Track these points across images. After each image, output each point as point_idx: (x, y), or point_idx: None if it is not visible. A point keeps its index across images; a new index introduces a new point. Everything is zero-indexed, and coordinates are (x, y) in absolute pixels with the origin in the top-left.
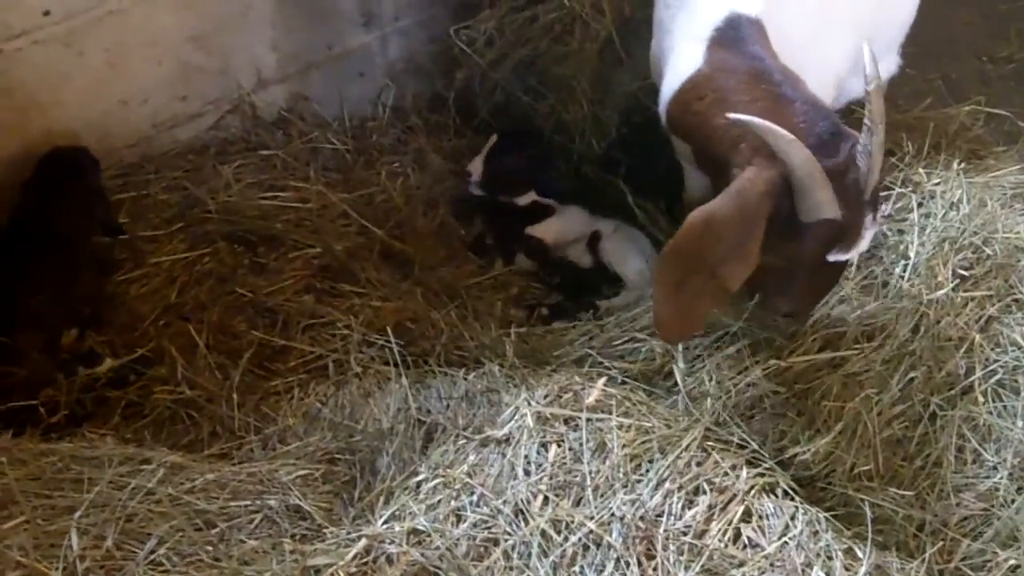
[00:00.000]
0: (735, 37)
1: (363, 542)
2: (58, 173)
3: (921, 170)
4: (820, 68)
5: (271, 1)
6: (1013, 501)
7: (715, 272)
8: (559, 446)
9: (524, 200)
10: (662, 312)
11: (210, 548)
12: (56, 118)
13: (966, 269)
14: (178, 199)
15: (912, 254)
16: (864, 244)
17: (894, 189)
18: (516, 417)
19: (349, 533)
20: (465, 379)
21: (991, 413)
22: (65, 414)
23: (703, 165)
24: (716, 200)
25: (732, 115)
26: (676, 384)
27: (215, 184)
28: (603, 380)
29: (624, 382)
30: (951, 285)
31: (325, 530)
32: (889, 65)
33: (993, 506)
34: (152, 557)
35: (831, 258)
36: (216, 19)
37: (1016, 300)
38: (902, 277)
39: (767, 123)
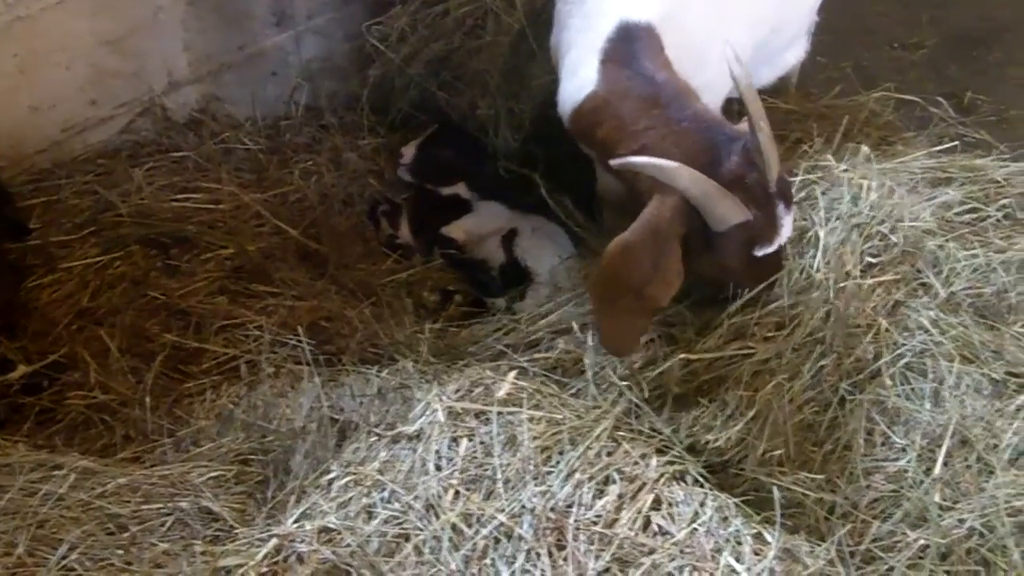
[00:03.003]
0: (627, 52)
1: (273, 542)
2: None
3: (830, 157)
4: (719, 61)
5: (182, 3)
6: (922, 482)
7: (641, 294)
8: (470, 440)
9: (447, 191)
10: (604, 330)
11: (121, 552)
12: None
13: (874, 255)
14: (90, 203)
15: (821, 242)
16: (786, 232)
17: (797, 176)
18: (427, 413)
19: (260, 533)
20: (378, 376)
21: (899, 396)
22: None
23: (607, 169)
24: (630, 229)
25: (615, 161)
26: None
27: (127, 187)
28: (513, 373)
29: (536, 375)
30: (859, 271)
31: (237, 531)
32: (797, 52)
33: (902, 487)
34: (64, 563)
35: (758, 253)
36: (127, 22)
37: (923, 284)
38: (811, 266)
39: (647, 160)
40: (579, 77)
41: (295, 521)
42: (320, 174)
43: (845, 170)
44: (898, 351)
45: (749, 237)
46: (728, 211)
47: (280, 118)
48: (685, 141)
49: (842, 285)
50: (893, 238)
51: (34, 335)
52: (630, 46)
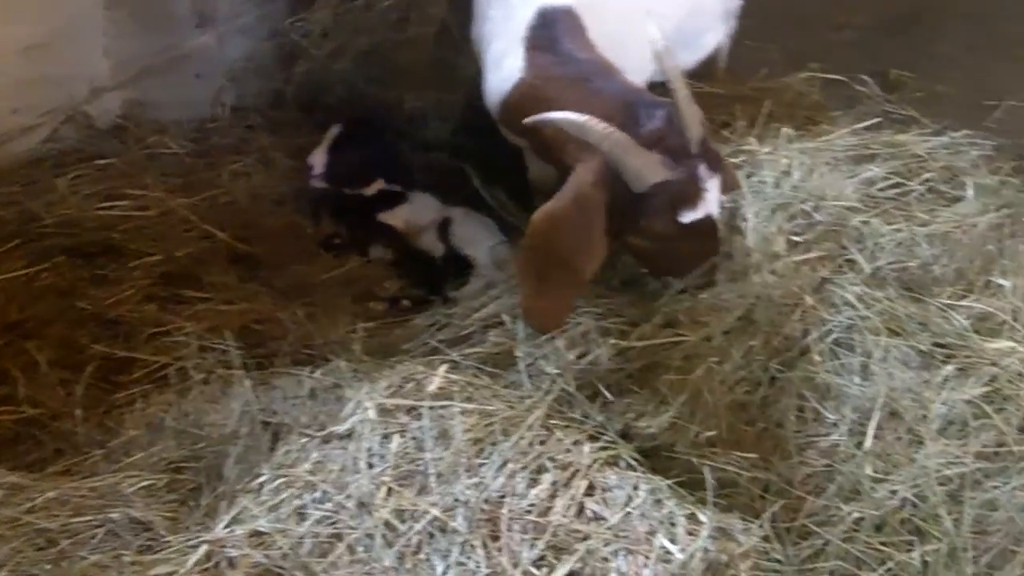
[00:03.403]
0: (550, 38)
1: (203, 548)
2: None
3: (753, 139)
4: (640, 44)
5: (100, 8)
6: (854, 456)
7: (568, 264)
8: (402, 436)
9: (371, 190)
10: (530, 305)
11: (50, 567)
12: None
13: (798, 234)
14: (14, 215)
15: (746, 224)
16: (711, 197)
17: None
18: (358, 411)
19: (190, 540)
20: (311, 377)
21: (829, 372)
22: None
23: (541, 155)
24: (555, 198)
25: (529, 119)
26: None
27: (52, 197)
28: (445, 367)
29: (468, 368)
30: (785, 251)
31: (167, 540)
32: (717, 34)
33: (835, 462)
34: None
35: (685, 220)
36: (46, 30)
37: (848, 260)
38: (738, 248)
39: (561, 114)
40: (504, 68)
41: (226, 526)
42: (249, 175)
43: (768, 151)
44: (826, 327)
45: (672, 198)
46: (644, 167)
47: (206, 120)
48: (603, 105)
49: (768, 264)
50: (817, 216)
51: None
52: (552, 31)
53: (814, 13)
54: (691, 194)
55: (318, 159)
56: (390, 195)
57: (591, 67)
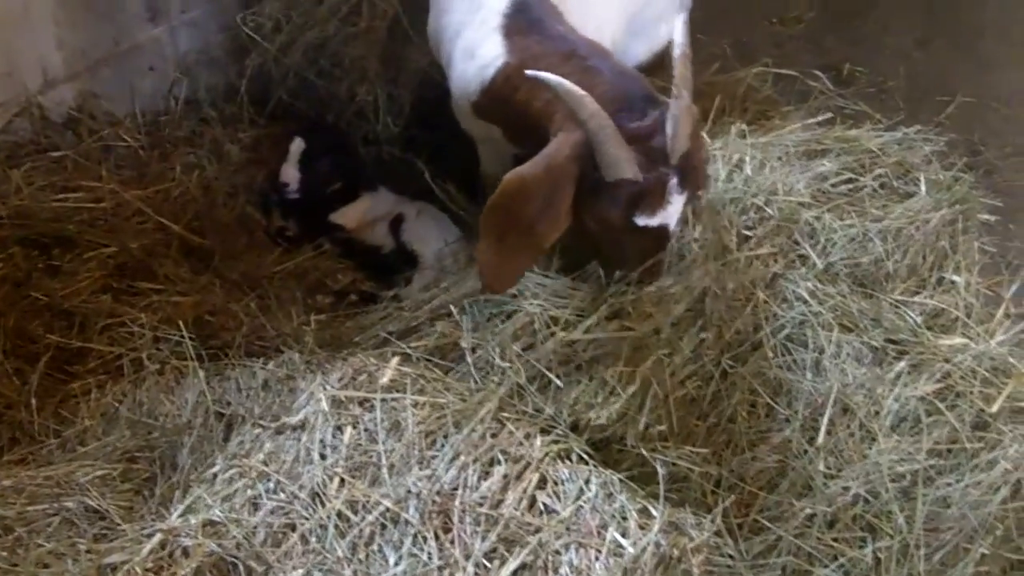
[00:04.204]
0: (529, 21)
1: (158, 537)
2: None
3: (704, 135)
4: (594, 35)
5: None
6: (806, 451)
7: (529, 230)
8: (354, 428)
9: (330, 189)
10: (485, 264)
11: (6, 554)
12: None
13: (750, 229)
14: None
15: (696, 217)
16: (673, 211)
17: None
18: (311, 402)
19: (144, 529)
20: (264, 368)
21: (781, 367)
22: None
23: (517, 142)
24: (528, 163)
25: (530, 72)
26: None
27: (5, 189)
28: (396, 360)
29: (420, 360)
30: (736, 246)
31: (121, 528)
32: (670, 26)
33: (787, 458)
34: None
35: (639, 222)
36: None
37: (801, 256)
38: (688, 241)
39: (559, 79)
40: (480, 57)
41: (180, 515)
42: (202, 168)
43: (720, 146)
44: (778, 322)
45: (633, 198)
46: (619, 161)
47: (159, 113)
48: (599, 87)
49: (719, 259)
50: (768, 211)
51: None
52: (530, 15)
53: (765, 7)
54: (653, 201)
55: (291, 175)
56: (343, 192)
57: (585, 45)
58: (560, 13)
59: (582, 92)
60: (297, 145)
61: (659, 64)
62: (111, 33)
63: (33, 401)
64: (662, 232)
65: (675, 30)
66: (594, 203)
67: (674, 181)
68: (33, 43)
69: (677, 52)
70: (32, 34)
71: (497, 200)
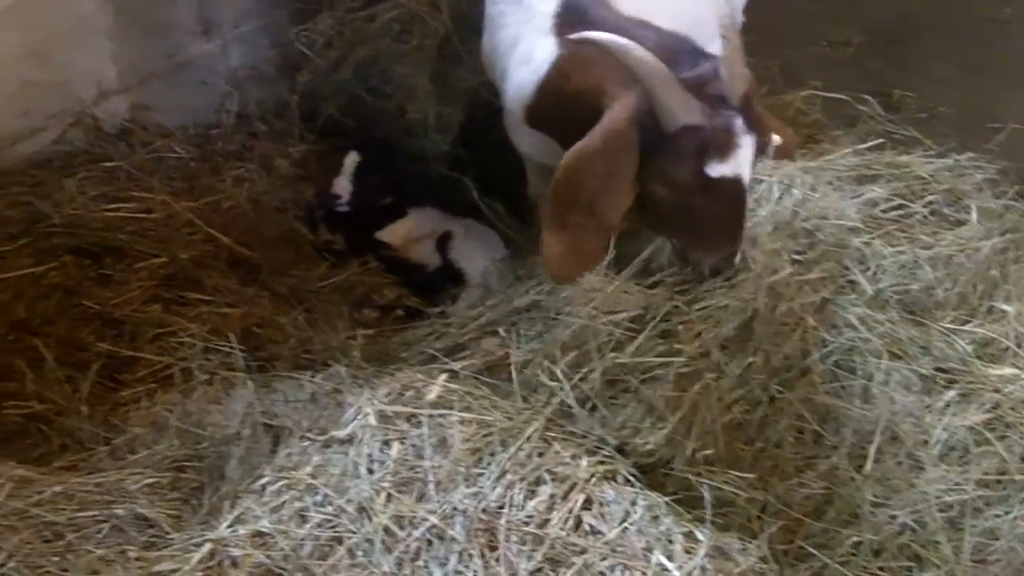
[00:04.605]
0: (577, 13)
1: (207, 546)
2: None
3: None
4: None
5: (108, 14)
6: (853, 479)
7: (593, 208)
8: (401, 443)
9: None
10: (550, 252)
11: (57, 559)
12: None
13: (800, 253)
14: (23, 214)
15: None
16: (745, 155)
17: None
18: (359, 417)
19: (194, 538)
20: (311, 381)
21: (829, 394)
22: None
23: (569, 140)
24: (586, 136)
25: (575, 35)
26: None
27: (60, 198)
28: (444, 376)
29: (467, 377)
30: (787, 270)
31: (171, 537)
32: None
33: (834, 485)
34: (1, 571)
35: (712, 172)
36: (52, 34)
37: (850, 281)
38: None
39: (611, 36)
40: (534, 60)
41: (229, 526)
42: (251, 181)
43: (771, 169)
44: (827, 348)
45: (702, 144)
46: (679, 106)
47: (210, 126)
48: (646, 43)
49: (768, 281)
50: (819, 236)
51: None
52: (578, 7)
53: (813, 30)
54: (722, 144)
55: (343, 187)
56: (391, 209)
57: (629, 22)
58: (608, 6)
59: (632, 43)
60: (352, 158)
61: None
62: (164, 47)
63: (83, 408)
64: (737, 188)
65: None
66: (660, 163)
67: (739, 121)
68: (88, 56)
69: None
70: (87, 47)
71: (559, 180)
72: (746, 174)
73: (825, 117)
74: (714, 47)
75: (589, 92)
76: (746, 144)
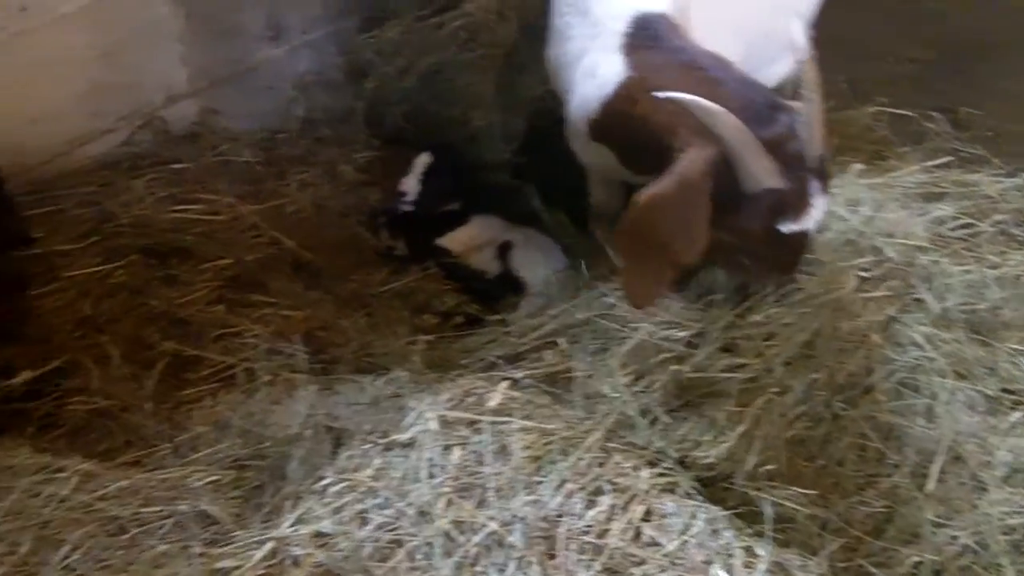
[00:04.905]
0: (650, 37)
1: (269, 545)
2: None
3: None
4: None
5: (179, 17)
6: (915, 498)
7: (667, 249)
8: (462, 449)
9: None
10: (628, 283)
11: (122, 553)
12: None
13: (866, 271)
14: (91, 214)
15: (813, 256)
16: (816, 214)
17: None
18: (420, 421)
19: (256, 537)
20: (372, 385)
21: (892, 412)
22: None
23: (633, 164)
24: (659, 182)
25: (661, 93)
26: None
27: (127, 198)
28: (505, 384)
29: (527, 386)
30: (852, 286)
31: (233, 534)
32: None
33: (895, 504)
34: (66, 563)
35: (783, 229)
36: (124, 36)
37: (916, 300)
38: (804, 279)
39: (694, 97)
40: (600, 77)
41: (291, 525)
42: (315, 186)
43: (838, 185)
44: (891, 366)
45: (777, 206)
46: (762, 171)
47: (276, 131)
48: (725, 95)
49: (833, 297)
50: (886, 253)
51: (37, 342)
52: (651, 31)
53: (880, 46)
54: (797, 206)
55: (411, 186)
56: (452, 215)
57: (708, 57)
58: (682, 31)
59: (719, 107)
60: (424, 159)
61: None
62: (234, 52)
63: (148, 405)
64: (804, 238)
65: (794, 34)
66: (733, 216)
67: (815, 184)
68: (159, 59)
69: (802, 56)
70: (158, 51)
71: (630, 222)
72: (813, 228)
73: (892, 134)
74: (782, 64)
75: (658, 125)
76: (819, 205)
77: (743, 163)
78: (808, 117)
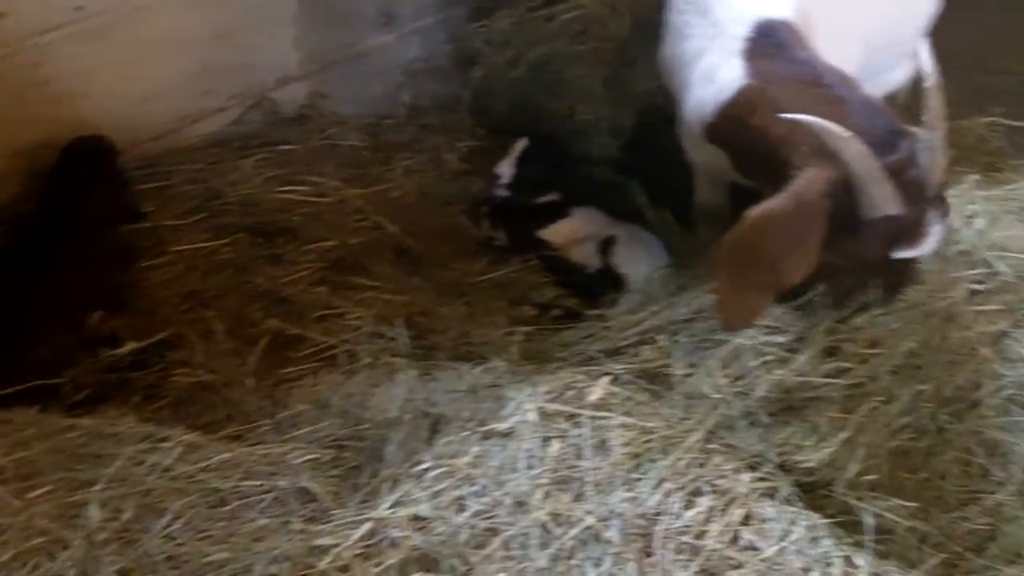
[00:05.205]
0: (774, 43)
1: (368, 525)
2: (82, 161)
3: None
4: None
5: (293, 1)
6: (1019, 517)
7: (773, 268)
8: (561, 442)
9: (543, 199)
10: (723, 302)
11: (222, 525)
12: (84, 109)
13: (978, 283)
14: (200, 191)
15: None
16: (931, 242)
17: None
18: (519, 412)
19: (355, 516)
20: (471, 373)
21: (999, 428)
22: (87, 393)
23: (746, 169)
24: (775, 199)
25: (785, 115)
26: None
27: (235, 177)
28: (607, 379)
29: (628, 382)
30: (963, 298)
31: (332, 512)
32: (905, 71)
33: (998, 521)
34: (167, 531)
35: (896, 255)
36: (240, 17)
37: None
38: (914, 290)
39: (820, 120)
40: (718, 80)
41: (389, 507)
42: (420, 173)
43: (953, 196)
44: (1000, 382)
45: (894, 233)
46: (883, 198)
47: (383, 116)
48: (846, 116)
49: (943, 308)
50: (999, 267)
51: (143, 314)
52: (775, 39)
53: (997, 56)
54: (914, 234)
55: (505, 170)
56: (554, 208)
57: (831, 74)
58: (805, 41)
59: (847, 133)
60: (521, 143)
61: None
62: (345, 36)
63: (250, 381)
64: (914, 262)
65: (922, 58)
66: (847, 240)
67: (933, 212)
68: (272, 41)
69: (929, 83)
70: (271, 33)
71: (739, 236)
72: (927, 252)
73: (1008, 145)
74: (899, 71)
75: (777, 138)
76: (935, 233)
77: (864, 190)
78: (930, 144)
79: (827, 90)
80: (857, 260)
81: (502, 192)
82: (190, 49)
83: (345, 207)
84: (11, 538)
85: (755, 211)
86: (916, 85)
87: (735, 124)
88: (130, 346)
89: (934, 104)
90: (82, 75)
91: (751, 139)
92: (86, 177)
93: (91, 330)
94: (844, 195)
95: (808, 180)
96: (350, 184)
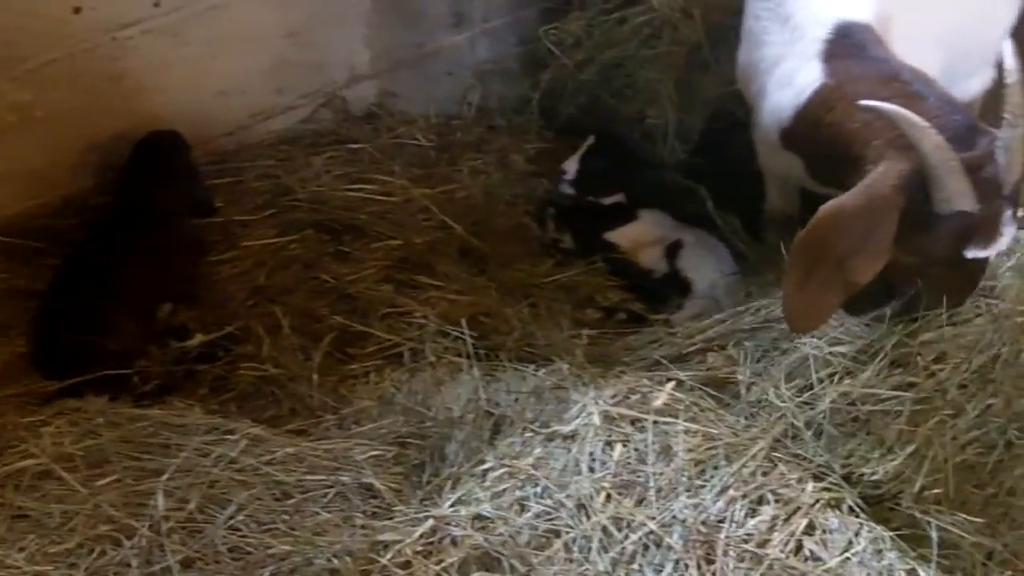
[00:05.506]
0: (852, 44)
1: (430, 522)
2: (155, 155)
3: None
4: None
5: (366, 0)
6: None
7: (843, 264)
8: (624, 446)
9: (609, 200)
10: (791, 302)
11: (286, 517)
12: (159, 104)
13: None
14: (270, 187)
15: (999, 278)
16: (1004, 241)
17: None
18: (583, 415)
19: (417, 513)
20: (535, 375)
21: None
22: (156, 384)
23: (821, 175)
24: (847, 193)
25: (864, 101)
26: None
27: (305, 174)
28: (671, 384)
29: (692, 388)
30: None
31: (394, 509)
32: (983, 78)
33: None
34: (231, 522)
35: (968, 254)
36: (313, 16)
37: None
38: (984, 300)
39: (898, 108)
40: (796, 84)
41: (451, 505)
42: (487, 173)
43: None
44: None
45: (967, 230)
46: (958, 193)
47: (451, 117)
48: (926, 112)
49: (1014, 324)
50: None
51: (211, 307)
52: (853, 40)
53: None
54: (988, 234)
55: (571, 166)
56: (623, 210)
57: (908, 71)
58: (884, 42)
59: (925, 122)
60: (589, 141)
61: None
62: (416, 36)
63: (315, 376)
64: (984, 263)
65: (1005, 54)
66: (920, 236)
67: (1008, 212)
68: (345, 40)
69: (1012, 79)
70: (344, 32)
71: (811, 232)
72: (998, 251)
73: None
74: (980, 78)
75: (851, 133)
76: (1008, 232)
77: (940, 183)
78: (1008, 143)
79: (905, 86)
80: (928, 257)
81: (567, 189)
82: (263, 47)
83: (412, 206)
84: (78, 525)
85: (826, 206)
86: (997, 86)
87: (811, 126)
88: (199, 339)
89: (1015, 101)
90: (157, 70)
91: (826, 139)
92: (159, 171)
93: (161, 322)
94: (918, 189)
95: (881, 174)
96: (417, 183)
